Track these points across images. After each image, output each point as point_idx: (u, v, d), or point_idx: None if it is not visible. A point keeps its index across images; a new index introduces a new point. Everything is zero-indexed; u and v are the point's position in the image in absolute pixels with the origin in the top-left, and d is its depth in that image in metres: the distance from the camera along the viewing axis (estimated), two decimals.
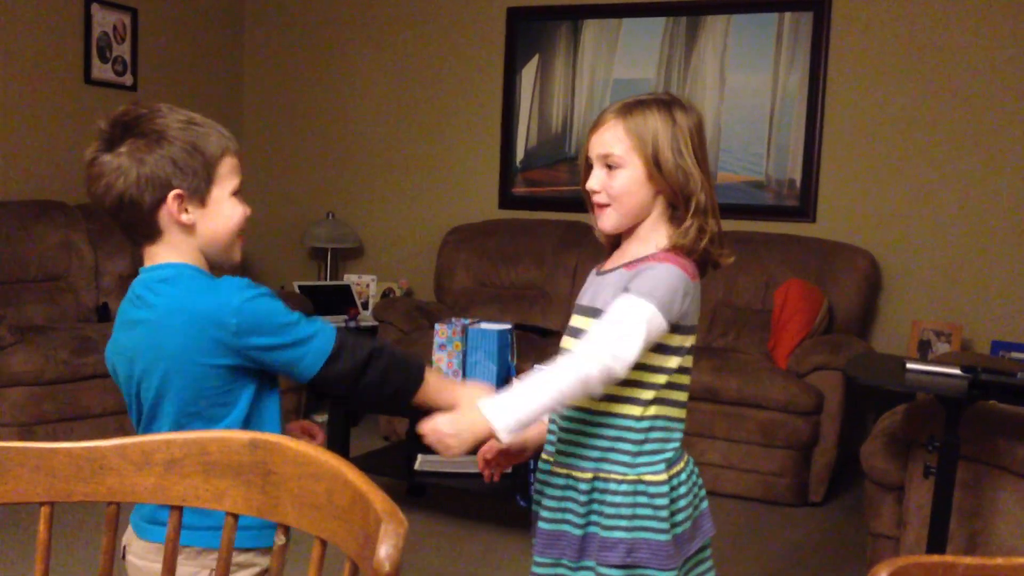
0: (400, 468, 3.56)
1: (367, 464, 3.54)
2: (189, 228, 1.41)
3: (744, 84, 4.63)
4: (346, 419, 3.62)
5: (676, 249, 1.55)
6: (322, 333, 1.40)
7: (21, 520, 3.16)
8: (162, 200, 1.38)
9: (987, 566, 0.84)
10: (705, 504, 1.66)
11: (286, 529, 1.00)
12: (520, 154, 5.16)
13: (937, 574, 0.82)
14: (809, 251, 4.33)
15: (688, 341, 1.58)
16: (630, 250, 1.61)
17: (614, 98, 4.90)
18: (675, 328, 1.54)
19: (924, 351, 4.15)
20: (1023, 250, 4.17)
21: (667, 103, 1.57)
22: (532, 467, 3.08)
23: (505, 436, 1.43)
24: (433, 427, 1.44)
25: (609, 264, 1.64)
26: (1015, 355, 3.88)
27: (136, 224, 1.42)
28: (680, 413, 1.60)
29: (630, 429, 1.54)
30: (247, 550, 1.40)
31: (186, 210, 1.40)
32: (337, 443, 3.48)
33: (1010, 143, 4.18)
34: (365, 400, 1.42)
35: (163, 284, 1.42)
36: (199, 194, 1.40)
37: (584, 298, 1.64)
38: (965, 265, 4.27)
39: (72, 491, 1.06)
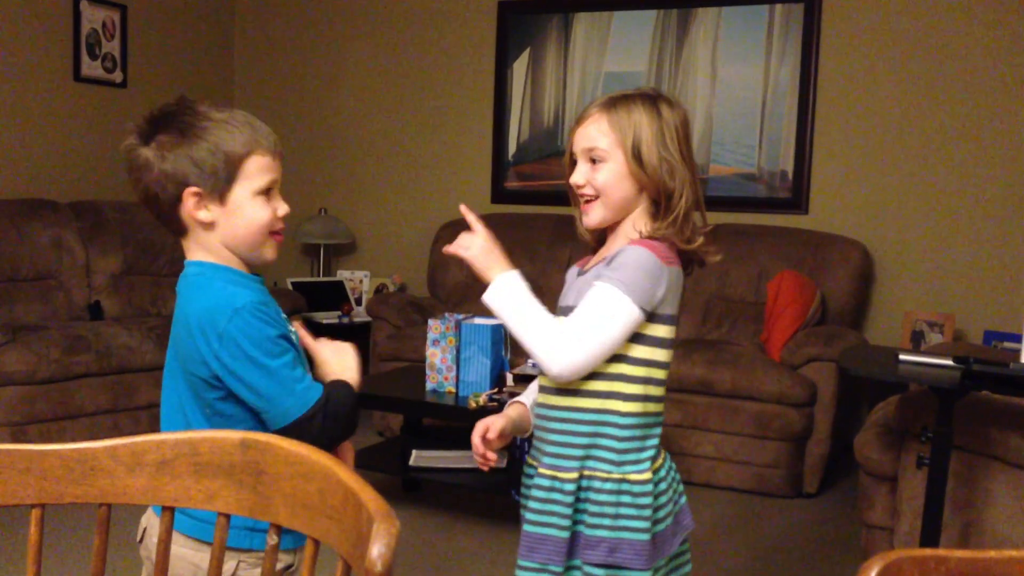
0: (395, 464, 3.56)
1: (361, 460, 3.54)
2: (209, 226, 1.42)
3: (735, 76, 4.63)
4: None
5: (651, 237, 1.55)
6: (299, 397, 1.38)
7: (12, 522, 3.15)
8: (180, 197, 1.39)
9: (979, 559, 0.84)
10: (684, 499, 1.65)
11: (278, 529, 1.00)
12: (512, 148, 5.15)
13: (929, 567, 0.82)
14: (802, 243, 4.34)
15: (670, 333, 1.57)
16: (611, 248, 1.60)
17: (606, 91, 4.87)
18: (653, 317, 1.53)
19: (917, 342, 4.16)
20: (1015, 240, 4.18)
21: (652, 97, 1.57)
22: (525, 460, 3.09)
23: (487, 295, 1.56)
24: (471, 240, 1.58)
25: (591, 262, 1.64)
26: (1007, 345, 3.89)
27: (162, 218, 1.44)
28: (659, 408, 1.60)
29: (615, 425, 1.54)
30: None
31: (205, 208, 1.40)
32: None
33: (1001, 133, 4.18)
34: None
35: (186, 281, 1.45)
36: (218, 193, 1.40)
37: (568, 298, 1.63)
38: (957, 255, 4.28)
39: (63, 493, 1.05)
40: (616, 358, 1.53)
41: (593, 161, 1.56)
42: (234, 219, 1.42)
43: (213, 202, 1.40)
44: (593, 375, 1.54)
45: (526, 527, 1.59)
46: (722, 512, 3.63)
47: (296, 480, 0.97)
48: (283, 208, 1.46)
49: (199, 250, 1.45)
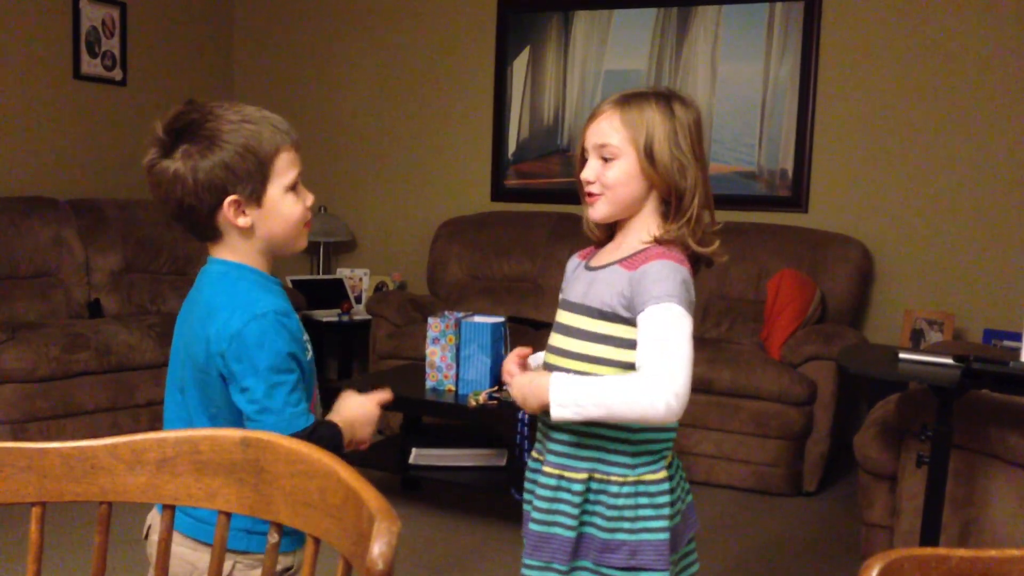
0: (395, 462, 3.56)
1: (361, 458, 3.54)
2: (247, 231, 1.41)
3: (735, 74, 4.63)
4: None
5: (665, 242, 1.53)
6: (285, 421, 1.36)
7: (13, 521, 3.15)
8: (219, 205, 1.38)
9: (980, 559, 0.84)
10: (690, 497, 1.65)
11: (279, 527, 1.00)
12: (512, 146, 5.15)
13: (930, 567, 0.82)
14: (801, 241, 4.34)
15: None
16: (622, 245, 1.59)
17: (606, 89, 4.89)
18: None
19: (917, 340, 4.16)
20: (1015, 239, 4.18)
21: (666, 96, 1.56)
22: (527, 460, 3.09)
23: (555, 410, 1.47)
24: (519, 385, 1.55)
25: (601, 259, 1.61)
26: (1007, 343, 3.89)
27: (197, 227, 1.42)
28: None
29: (629, 429, 1.52)
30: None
31: (243, 213, 1.39)
32: None
33: (1001, 132, 4.18)
34: None
35: (208, 277, 1.44)
36: (255, 195, 1.39)
37: (574, 294, 1.60)
38: (957, 254, 4.28)
39: (64, 491, 1.05)
40: (633, 365, 1.52)
41: (604, 158, 1.55)
42: (272, 220, 1.41)
43: (251, 206, 1.39)
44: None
45: (532, 526, 1.58)
46: (722, 511, 3.63)
47: (297, 479, 0.97)
48: (310, 198, 1.47)
49: (228, 253, 1.44)
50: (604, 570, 1.53)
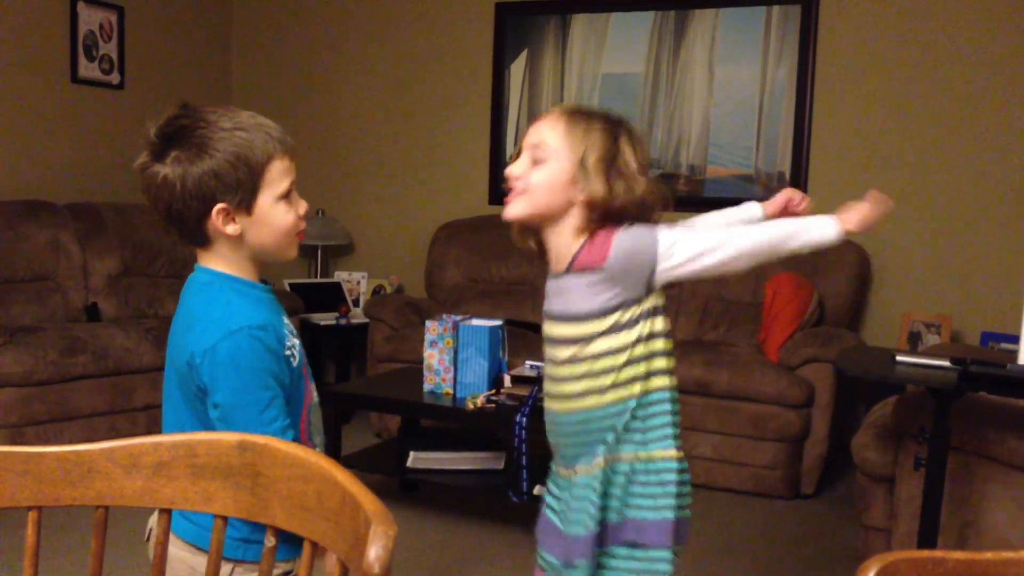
0: (392, 465, 3.56)
1: (359, 462, 3.54)
2: (236, 238, 1.39)
3: (733, 77, 4.63)
4: (336, 417, 3.62)
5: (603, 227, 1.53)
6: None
7: (10, 525, 3.14)
8: (207, 213, 1.37)
9: (976, 561, 0.84)
10: (688, 512, 1.66)
11: (276, 531, 1.00)
12: (510, 149, 5.15)
13: (926, 569, 0.82)
14: None
15: (648, 303, 1.55)
16: (558, 250, 1.58)
17: (603, 92, 4.90)
18: (651, 290, 1.53)
19: (914, 343, 4.16)
20: (1012, 241, 4.18)
21: (617, 123, 1.55)
22: (524, 463, 3.09)
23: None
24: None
25: (557, 266, 1.60)
26: (1004, 346, 3.89)
27: (186, 232, 1.41)
28: (665, 382, 1.59)
29: (637, 413, 1.56)
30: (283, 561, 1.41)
31: (232, 221, 1.38)
32: (328, 441, 3.47)
33: (998, 135, 4.19)
34: None
35: (194, 287, 1.44)
36: (245, 204, 1.37)
37: (546, 302, 1.62)
38: (954, 257, 4.29)
39: (60, 495, 1.05)
40: (600, 356, 1.53)
41: (536, 160, 1.54)
42: (262, 228, 1.40)
43: (240, 214, 1.38)
44: (597, 375, 1.55)
45: (552, 520, 1.65)
46: (720, 514, 3.63)
47: (293, 482, 0.97)
48: (303, 207, 1.45)
49: (216, 259, 1.43)
50: (611, 548, 1.55)
